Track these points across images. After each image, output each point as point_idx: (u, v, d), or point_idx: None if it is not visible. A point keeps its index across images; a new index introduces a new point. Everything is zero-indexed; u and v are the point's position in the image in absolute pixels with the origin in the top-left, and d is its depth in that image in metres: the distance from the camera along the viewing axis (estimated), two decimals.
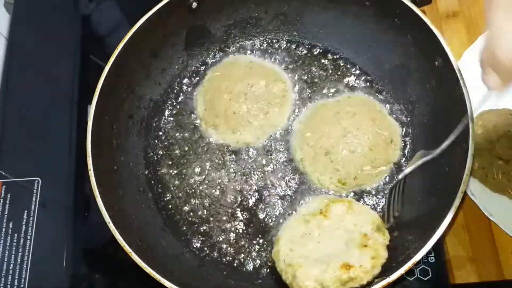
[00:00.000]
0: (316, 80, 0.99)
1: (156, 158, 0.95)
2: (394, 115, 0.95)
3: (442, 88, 0.84)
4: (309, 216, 0.83)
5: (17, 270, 0.90)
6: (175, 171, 0.94)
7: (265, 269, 0.86)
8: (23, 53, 1.10)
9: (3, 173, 0.98)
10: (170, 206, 0.92)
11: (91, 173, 0.78)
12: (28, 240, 0.92)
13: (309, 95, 0.98)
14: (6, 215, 0.94)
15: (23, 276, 0.90)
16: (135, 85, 0.93)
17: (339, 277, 0.73)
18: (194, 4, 0.92)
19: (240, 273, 0.86)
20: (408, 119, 0.94)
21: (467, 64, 0.94)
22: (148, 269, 0.72)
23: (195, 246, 0.88)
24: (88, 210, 0.95)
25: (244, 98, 0.95)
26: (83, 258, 0.93)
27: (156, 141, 0.96)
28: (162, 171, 0.94)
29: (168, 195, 0.92)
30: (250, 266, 0.86)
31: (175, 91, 1.00)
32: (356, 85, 0.98)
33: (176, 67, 0.99)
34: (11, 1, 1.16)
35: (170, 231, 0.89)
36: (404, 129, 0.94)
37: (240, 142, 0.95)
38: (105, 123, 0.84)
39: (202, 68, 1.02)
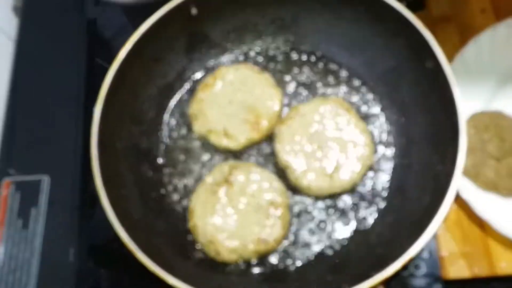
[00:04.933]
0: (312, 83, 1.01)
1: (159, 161, 0.97)
2: (388, 116, 0.97)
3: (434, 89, 0.86)
4: (215, 185, 0.89)
5: (26, 265, 0.93)
6: (177, 172, 0.96)
7: (265, 266, 0.88)
8: (31, 56, 1.13)
9: (12, 172, 1.00)
10: (173, 206, 0.94)
11: (97, 174, 0.79)
12: (37, 237, 0.95)
13: (304, 99, 1.00)
14: (15, 213, 0.96)
15: (32, 271, 0.92)
16: (138, 89, 0.94)
17: (257, 250, 0.85)
18: (194, 11, 0.93)
19: (241, 270, 0.87)
20: (402, 119, 0.95)
21: (459, 67, 0.96)
22: (153, 267, 0.74)
23: (200, 245, 0.89)
24: (94, 208, 0.96)
25: None
26: (89, 254, 0.95)
27: (158, 143, 0.98)
28: (165, 172, 0.96)
29: (170, 195, 0.94)
30: (254, 267, 0.88)
31: (175, 95, 1.01)
32: (350, 87, 1.00)
33: (177, 71, 1.00)
34: (19, 5, 1.18)
35: (173, 229, 0.91)
36: (398, 128, 0.96)
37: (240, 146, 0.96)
38: (109, 126, 0.85)
39: (202, 72, 1.03)
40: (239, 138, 0.93)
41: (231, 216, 0.87)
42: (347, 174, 0.90)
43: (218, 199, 0.88)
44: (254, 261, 0.88)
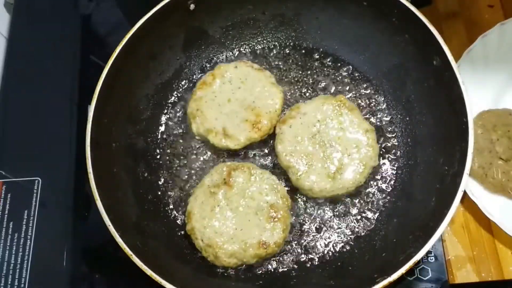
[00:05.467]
0: (314, 81, 0.99)
1: (155, 161, 0.95)
2: (393, 115, 0.96)
3: (440, 87, 0.85)
4: (214, 187, 0.88)
5: (17, 270, 0.91)
6: (174, 173, 0.94)
7: (265, 271, 0.87)
8: (23, 53, 1.11)
9: (4, 173, 0.98)
10: (170, 208, 0.92)
11: (91, 176, 0.78)
12: (29, 240, 0.93)
13: (305, 97, 0.98)
14: (6, 215, 0.95)
15: (23, 276, 0.90)
16: (134, 88, 0.93)
17: (257, 254, 0.83)
18: (192, 6, 0.92)
19: (241, 275, 0.86)
20: (407, 118, 0.94)
21: (466, 64, 0.94)
22: (149, 272, 0.73)
23: (196, 247, 0.87)
24: (88, 210, 0.95)
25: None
26: (83, 257, 0.93)
27: (155, 143, 0.97)
28: (162, 173, 0.94)
29: (167, 197, 0.93)
30: (254, 272, 0.87)
31: (173, 94, 1.00)
32: (353, 85, 0.98)
33: (175, 69, 0.99)
34: (11, 1, 1.16)
35: (171, 233, 0.90)
36: (403, 127, 0.95)
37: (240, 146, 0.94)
38: (104, 126, 0.84)
39: (200, 70, 1.01)
40: (238, 138, 0.91)
41: (230, 219, 0.86)
42: (350, 175, 0.88)
43: (217, 202, 0.86)
44: (253, 265, 0.86)
